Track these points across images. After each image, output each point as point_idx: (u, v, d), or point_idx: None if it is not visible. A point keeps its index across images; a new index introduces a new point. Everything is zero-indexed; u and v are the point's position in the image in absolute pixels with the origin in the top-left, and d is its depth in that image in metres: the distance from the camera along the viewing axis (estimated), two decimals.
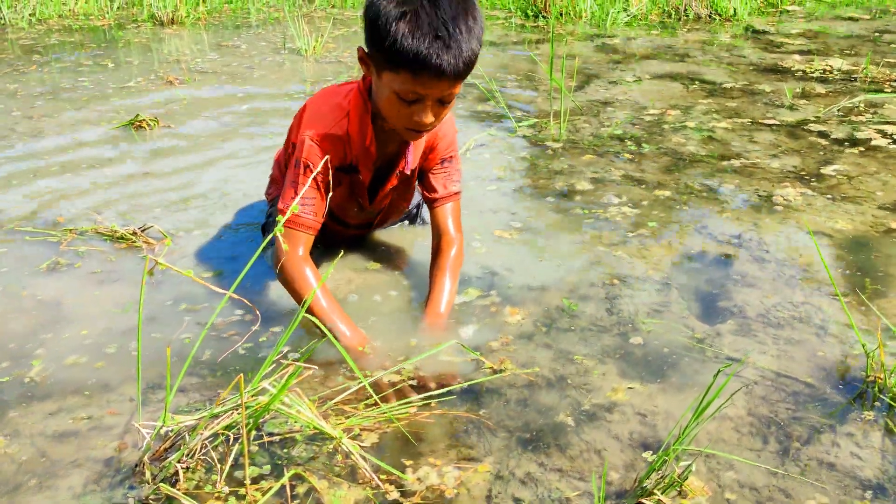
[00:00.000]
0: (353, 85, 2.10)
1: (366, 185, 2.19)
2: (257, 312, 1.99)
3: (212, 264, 2.45)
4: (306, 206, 2.05)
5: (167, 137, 3.58)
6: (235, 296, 1.55)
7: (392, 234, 2.61)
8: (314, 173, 2.00)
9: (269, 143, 3.51)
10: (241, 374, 1.41)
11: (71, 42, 5.51)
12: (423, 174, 2.26)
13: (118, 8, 6.58)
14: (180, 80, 4.49)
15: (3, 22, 6.10)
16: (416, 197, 2.56)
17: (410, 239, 2.60)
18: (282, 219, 1.70)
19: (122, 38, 5.65)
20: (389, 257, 2.50)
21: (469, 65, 1.82)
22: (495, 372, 1.94)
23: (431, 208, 2.28)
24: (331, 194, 2.04)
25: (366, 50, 1.90)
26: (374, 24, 1.79)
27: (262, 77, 4.61)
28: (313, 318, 1.97)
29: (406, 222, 2.69)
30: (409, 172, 2.20)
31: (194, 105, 4.06)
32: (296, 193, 2.04)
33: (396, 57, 1.77)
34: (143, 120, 3.67)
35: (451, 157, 2.25)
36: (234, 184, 3.06)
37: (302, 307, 1.51)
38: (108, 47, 5.36)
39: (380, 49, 1.81)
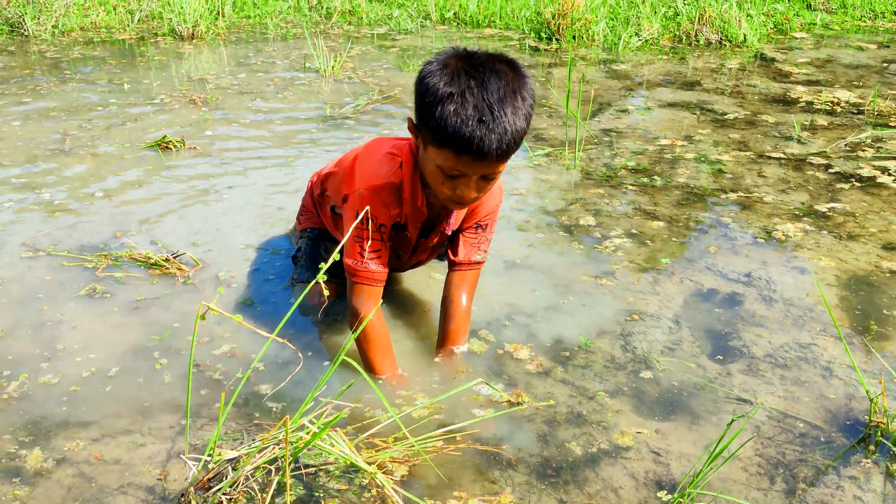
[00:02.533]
0: (403, 141, 2.14)
1: (412, 242, 2.25)
2: (300, 355, 2.09)
3: (244, 294, 2.56)
4: (376, 259, 2.11)
5: (194, 159, 3.69)
6: (279, 339, 1.65)
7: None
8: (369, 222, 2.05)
9: (295, 165, 3.62)
10: (287, 416, 1.52)
11: (94, 56, 5.63)
12: (455, 231, 2.29)
13: (139, 21, 6.69)
14: (203, 98, 4.60)
15: (26, 34, 6.22)
16: None
17: (428, 273, 2.70)
18: (319, 272, 1.68)
19: (144, 53, 5.77)
20: (406, 292, 2.60)
21: (513, 144, 1.83)
22: (512, 405, 2.04)
23: (449, 269, 2.30)
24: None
25: (414, 121, 1.95)
26: (423, 99, 1.83)
27: (283, 98, 4.72)
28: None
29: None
30: (449, 233, 2.27)
31: (218, 126, 4.17)
32: (361, 248, 2.10)
33: (441, 136, 1.81)
34: (170, 141, 3.78)
35: (486, 224, 2.26)
36: (261, 207, 3.17)
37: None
38: (131, 64, 5.48)
39: (426, 125, 1.85)
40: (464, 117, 1.77)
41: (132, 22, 6.64)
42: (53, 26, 6.37)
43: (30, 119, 4.20)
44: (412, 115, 1.95)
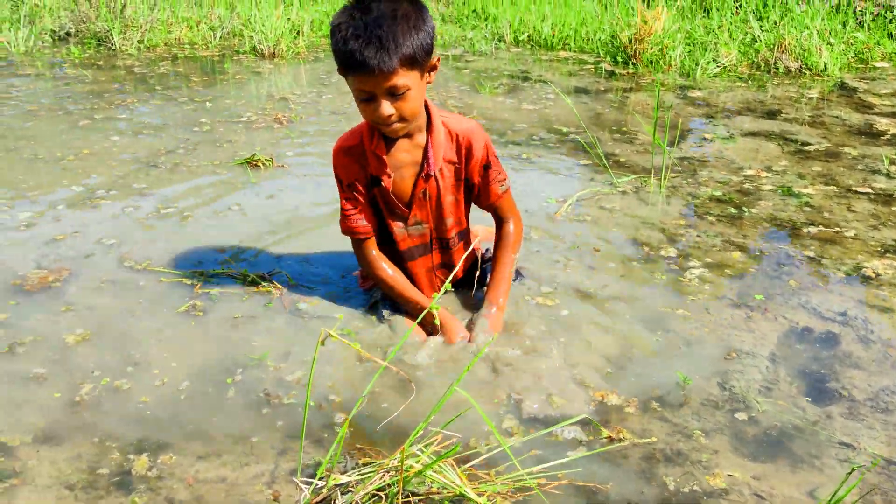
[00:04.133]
0: None
1: (390, 190, 2.37)
2: (412, 385, 2.12)
3: (343, 314, 2.60)
4: (355, 215, 2.43)
5: (282, 177, 3.77)
6: (394, 368, 1.68)
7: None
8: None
9: None
10: (403, 446, 1.54)
11: (178, 73, 5.79)
12: (470, 187, 2.47)
13: (221, 38, 6.86)
14: (287, 117, 4.70)
15: (113, 48, 6.42)
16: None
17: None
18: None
19: (226, 70, 5.91)
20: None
21: (395, 54, 2.01)
22: (612, 441, 2.04)
23: (492, 214, 2.59)
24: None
25: None
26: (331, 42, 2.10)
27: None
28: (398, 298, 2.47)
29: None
30: (433, 174, 2.37)
31: (303, 144, 4.26)
32: (344, 210, 2.44)
33: (338, 63, 2.08)
34: (259, 159, 3.87)
35: (488, 161, 2.43)
36: None
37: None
38: (214, 81, 5.62)
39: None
40: (344, 37, 2.02)
41: (214, 39, 6.81)
42: (139, 41, 6.57)
43: (125, 135, 4.35)
44: None
